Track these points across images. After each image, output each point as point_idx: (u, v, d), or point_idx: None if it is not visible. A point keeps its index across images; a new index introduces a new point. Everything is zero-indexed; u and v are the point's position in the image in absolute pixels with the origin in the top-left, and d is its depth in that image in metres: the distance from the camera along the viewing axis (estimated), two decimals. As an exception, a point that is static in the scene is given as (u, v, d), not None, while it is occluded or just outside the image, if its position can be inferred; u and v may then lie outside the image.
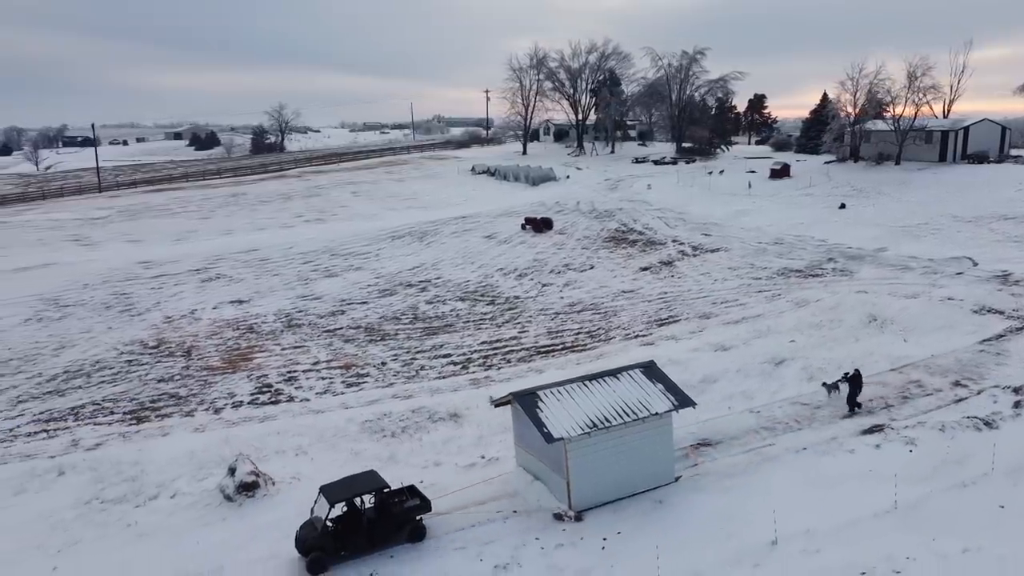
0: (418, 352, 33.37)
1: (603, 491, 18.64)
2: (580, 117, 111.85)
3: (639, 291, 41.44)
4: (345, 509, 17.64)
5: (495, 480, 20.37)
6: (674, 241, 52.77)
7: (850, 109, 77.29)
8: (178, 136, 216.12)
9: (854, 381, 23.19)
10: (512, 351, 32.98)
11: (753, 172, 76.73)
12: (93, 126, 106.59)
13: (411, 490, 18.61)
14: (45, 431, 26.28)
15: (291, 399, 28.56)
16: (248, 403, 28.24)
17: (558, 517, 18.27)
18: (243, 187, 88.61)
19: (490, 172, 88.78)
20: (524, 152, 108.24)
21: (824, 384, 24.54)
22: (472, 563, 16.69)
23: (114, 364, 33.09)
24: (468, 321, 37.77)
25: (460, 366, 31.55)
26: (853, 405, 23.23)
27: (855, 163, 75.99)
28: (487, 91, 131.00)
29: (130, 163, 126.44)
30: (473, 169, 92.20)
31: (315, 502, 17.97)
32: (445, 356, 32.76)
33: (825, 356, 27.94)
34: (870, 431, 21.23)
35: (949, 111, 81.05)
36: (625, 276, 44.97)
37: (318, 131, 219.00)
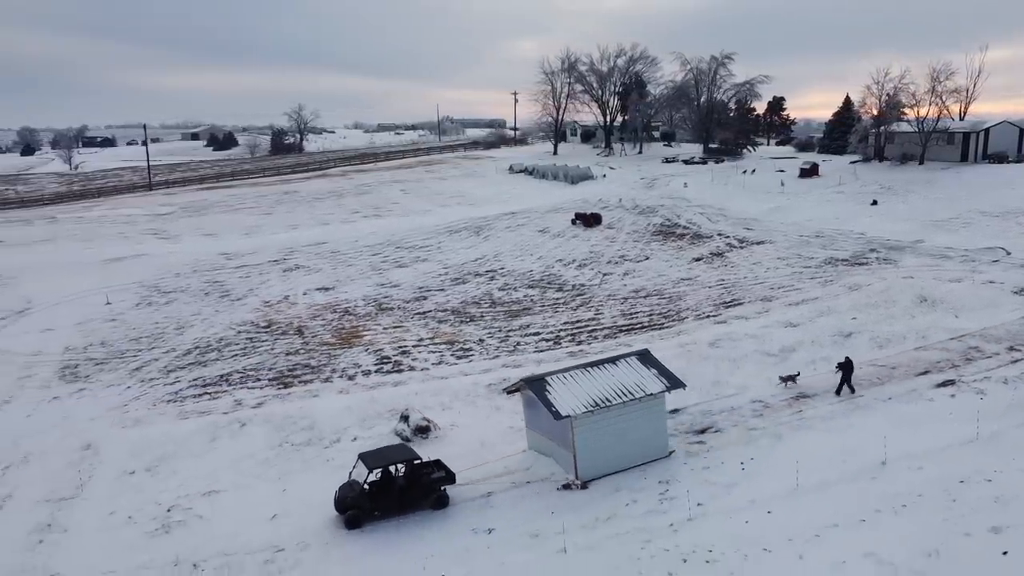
0: (509, 331, 37.03)
1: (605, 463, 21.20)
2: (608, 118, 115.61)
3: (697, 279, 45.07)
4: (380, 475, 20.23)
5: (508, 459, 23.04)
6: (719, 234, 56.39)
7: (875, 112, 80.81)
8: (195, 137, 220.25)
9: (846, 368, 25.61)
10: (595, 330, 36.65)
11: (783, 171, 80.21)
12: (145, 127, 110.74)
13: (437, 463, 21.05)
14: (207, 394, 30.06)
15: (412, 368, 32.31)
16: (375, 372, 31.98)
17: (566, 487, 20.85)
18: (292, 185, 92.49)
19: (528, 171, 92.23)
20: (555, 152, 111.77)
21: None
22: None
23: (237, 341, 36.83)
24: (544, 305, 41.42)
25: (552, 342, 35.22)
26: (841, 388, 25.41)
27: (880, 163, 79.45)
28: (515, 92, 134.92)
29: (158, 163, 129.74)
30: (511, 168, 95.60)
31: (353, 467, 20.79)
32: (535, 334, 36.43)
33: (888, 330, 31.64)
34: (943, 384, 24.97)
35: (965, 113, 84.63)
36: (680, 266, 48.61)
37: (333, 132, 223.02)
